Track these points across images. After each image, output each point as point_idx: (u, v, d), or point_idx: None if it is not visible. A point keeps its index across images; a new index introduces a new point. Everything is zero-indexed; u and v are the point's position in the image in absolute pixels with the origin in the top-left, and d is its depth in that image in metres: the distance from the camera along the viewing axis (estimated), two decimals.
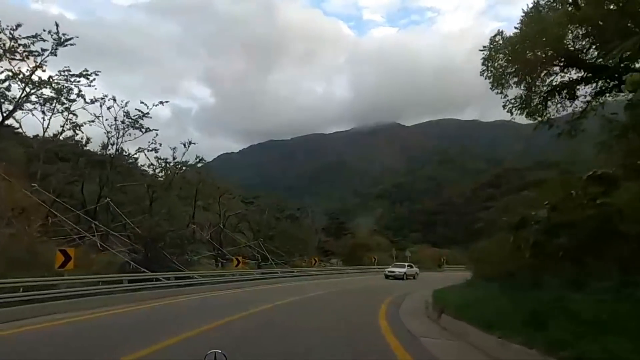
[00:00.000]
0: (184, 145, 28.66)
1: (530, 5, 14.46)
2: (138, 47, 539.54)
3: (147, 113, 25.66)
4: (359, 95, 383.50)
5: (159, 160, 28.18)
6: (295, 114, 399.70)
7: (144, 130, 25.93)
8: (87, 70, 23.31)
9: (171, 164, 28.63)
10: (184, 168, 29.85)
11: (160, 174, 29.33)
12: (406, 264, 39.79)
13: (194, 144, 29.44)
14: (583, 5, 12.49)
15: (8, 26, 20.38)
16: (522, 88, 14.98)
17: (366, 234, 63.67)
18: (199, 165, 32.41)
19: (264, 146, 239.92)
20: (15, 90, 21.49)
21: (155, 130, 26.34)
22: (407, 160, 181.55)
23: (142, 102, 26.96)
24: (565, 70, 14.37)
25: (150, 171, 29.54)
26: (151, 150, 27.09)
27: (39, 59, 21.34)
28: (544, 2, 14.25)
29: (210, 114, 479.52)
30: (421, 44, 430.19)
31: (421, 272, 40.59)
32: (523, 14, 14.39)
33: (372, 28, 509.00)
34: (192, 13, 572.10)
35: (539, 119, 15.50)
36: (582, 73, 14.16)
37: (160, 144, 27.22)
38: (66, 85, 23.02)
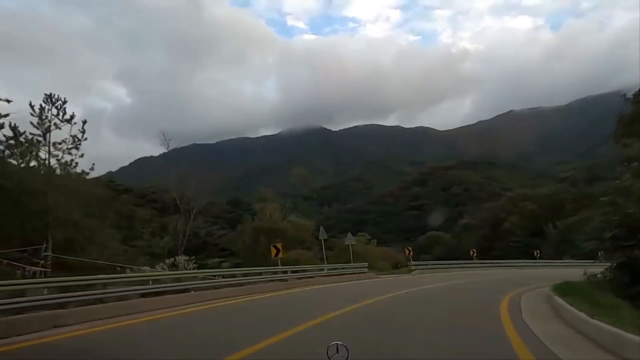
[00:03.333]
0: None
1: None
2: (44, 41, 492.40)
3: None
4: (288, 99, 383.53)
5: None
6: (222, 116, 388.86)
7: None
8: None
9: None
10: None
11: None
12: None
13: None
14: None
15: None
16: None
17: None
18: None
19: (187, 150, 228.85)
20: None
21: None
22: (335, 163, 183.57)
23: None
24: None
25: None
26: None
27: None
28: None
29: (127, 115, 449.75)
30: (347, 51, 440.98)
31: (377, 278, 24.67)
32: None
33: (297, 34, 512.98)
34: (109, 5, 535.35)
35: None
36: None
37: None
38: None
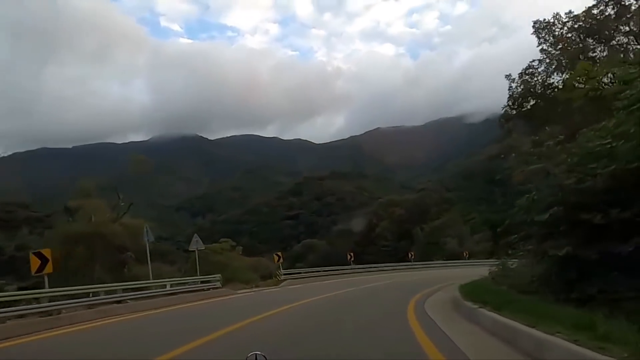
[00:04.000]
0: None
1: None
2: None
3: None
4: (161, 104, 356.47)
5: None
6: (81, 118, 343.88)
7: None
8: None
9: None
10: None
11: None
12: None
13: None
14: None
15: None
16: None
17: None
18: None
19: (35, 154, 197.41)
20: None
21: None
22: (211, 172, 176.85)
23: None
24: None
25: None
26: None
27: None
28: None
29: None
30: (226, 60, 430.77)
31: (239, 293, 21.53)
32: None
33: (171, 37, 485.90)
34: None
35: None
36: None
37: None
38: None
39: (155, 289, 16.53)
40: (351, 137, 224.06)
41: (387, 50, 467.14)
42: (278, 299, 14.93)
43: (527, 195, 8.15)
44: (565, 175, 7.26)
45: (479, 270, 14.58)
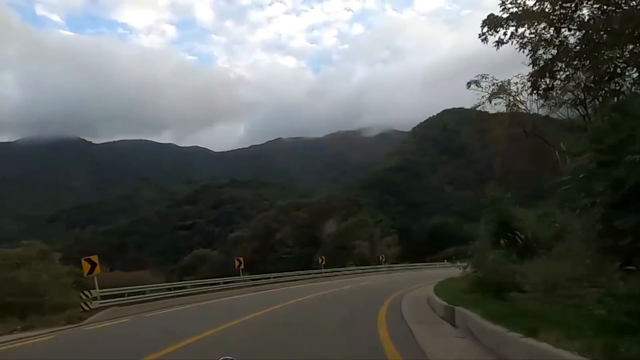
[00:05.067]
0: None
1: None
2: None
3: None
4: (35, 101, 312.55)
5: None
6: None
7: None
8: None
9: None
10: None
11: None
12: None
13: None
14: None
15: None
16: None
17: None
18: None
19: None
20: None
21: None
22: (95, 179, 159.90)
23: None
24: None
25: None
26: None
27: None
28: None
29: None
30: (117, 58, 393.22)
31: None
32: None
33: (51, 28, 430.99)
34: None
35: None
36: None
37: None
38: None
39: None
40: (252, 146, 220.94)
41: (289, 62, 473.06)
42: None
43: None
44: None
45: (416, 275, 12.93)
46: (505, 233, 12.72)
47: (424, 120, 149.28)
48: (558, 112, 19.52)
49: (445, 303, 8.63)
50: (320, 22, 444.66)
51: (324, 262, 32.45)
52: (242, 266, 26.30)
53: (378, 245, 47.82)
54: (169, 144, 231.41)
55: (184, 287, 23.10)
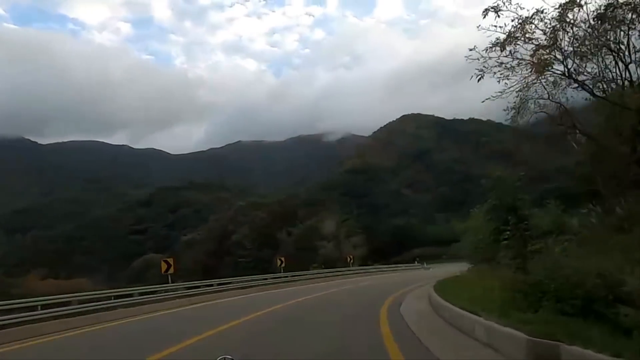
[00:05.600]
0: None
1: None
2: None
3: None
4: None
5: None
6: None
7: None
8: None
9: None
10: None
11: None
12: None
13: None
14: None
15: None
16: None
17: None
18: None
19: None
20: None
21: None
22: (42, 182, 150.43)
23: None
24: None
25: None
26: None
27: None
28: None
29: None
30: (67, 54, 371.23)
31: None
32: None
33: None
34: None
35: None
36: None
37: None
38: None
39: None
40: (211, 149, 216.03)
41: (250, 65, 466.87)
42: None
43: None
44: None
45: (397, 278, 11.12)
46: (515, 223, 10.55)
47: (384, 125, 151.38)
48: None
49: (526, 336, 4.86)
50: (281, 26, 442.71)
51: (283, 265, 30.01)
52: (171, 270, 20.12)
53: (344, 245, 45.59)
54: (123, 145, 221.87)
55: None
